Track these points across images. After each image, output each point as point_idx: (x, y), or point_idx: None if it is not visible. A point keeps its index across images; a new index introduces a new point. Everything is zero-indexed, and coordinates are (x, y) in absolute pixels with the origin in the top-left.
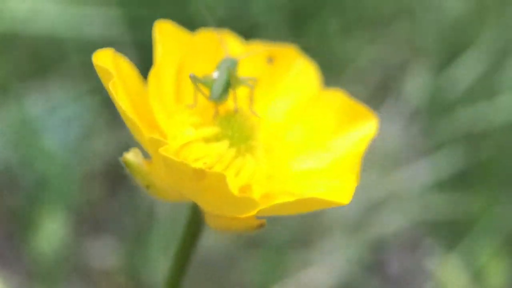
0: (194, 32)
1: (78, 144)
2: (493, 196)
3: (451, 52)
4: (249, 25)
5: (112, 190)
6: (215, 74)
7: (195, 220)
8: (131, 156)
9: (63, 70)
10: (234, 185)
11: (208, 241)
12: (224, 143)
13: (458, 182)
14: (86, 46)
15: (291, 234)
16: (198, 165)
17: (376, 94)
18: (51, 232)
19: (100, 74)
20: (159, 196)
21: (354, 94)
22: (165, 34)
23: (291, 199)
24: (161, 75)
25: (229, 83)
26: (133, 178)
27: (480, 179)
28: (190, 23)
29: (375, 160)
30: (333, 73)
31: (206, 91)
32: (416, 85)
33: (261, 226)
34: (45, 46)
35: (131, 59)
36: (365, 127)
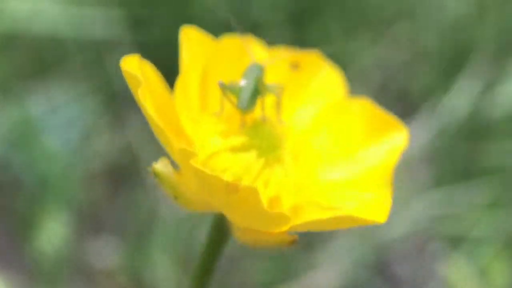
0: (218, 38)
1: (79, 144)
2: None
3: (451, 52)
4: (250, 25)
5: (114, 190)
6: (242, 82)
7: (220, 231)
8: (161, 166)
9: (64, 70)
10: (263, 196)
11: None
12: (253, 154)
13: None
14: (87, 46)
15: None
16: (226, 176)
17: (378, 95)
18: (53, 232)
19: (128, 81)
20: (187, 206)
21: (355, 94)
22: (191, 40)
23: (321, 212)
24: (186, 82)
25: (257, 91)
26: (161, 188)
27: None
28: (190, 24)
29: None
30: None
31: (234, 99)
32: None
33: (293, 242)
34: (46, 46)
35: None
36: (396, 139)
